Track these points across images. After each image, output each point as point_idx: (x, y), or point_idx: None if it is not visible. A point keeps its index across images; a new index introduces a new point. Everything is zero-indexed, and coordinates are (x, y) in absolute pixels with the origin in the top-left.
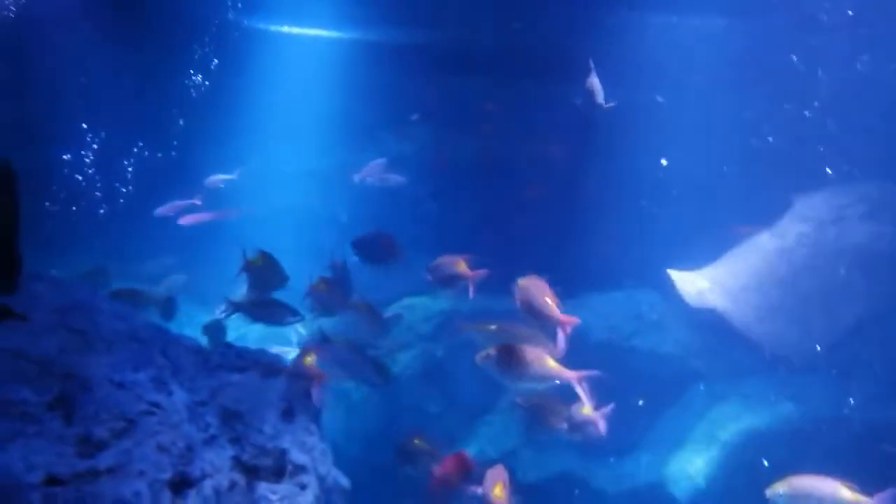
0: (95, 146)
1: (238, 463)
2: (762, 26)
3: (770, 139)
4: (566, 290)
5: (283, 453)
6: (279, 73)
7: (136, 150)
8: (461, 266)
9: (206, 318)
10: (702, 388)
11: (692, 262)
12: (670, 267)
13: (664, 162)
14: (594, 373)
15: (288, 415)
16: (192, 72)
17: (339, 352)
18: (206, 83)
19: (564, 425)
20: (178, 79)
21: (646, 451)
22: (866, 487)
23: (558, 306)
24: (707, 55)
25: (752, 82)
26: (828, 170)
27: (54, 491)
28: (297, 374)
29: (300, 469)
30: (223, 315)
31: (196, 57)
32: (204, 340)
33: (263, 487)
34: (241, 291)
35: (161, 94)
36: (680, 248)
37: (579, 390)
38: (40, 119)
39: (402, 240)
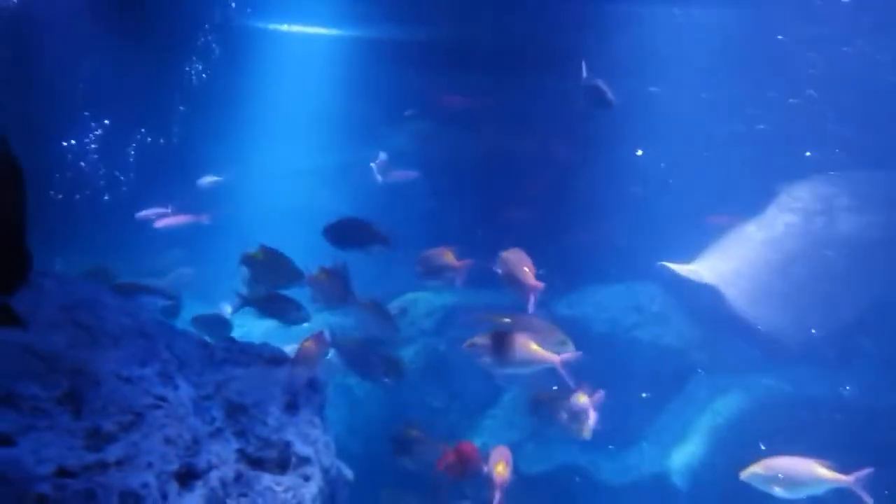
0: (98, 132)
1: (243, 455)
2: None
3: (761, 126)
4: (567, 283)
5: (287, 445)
6: (278, 70)
7: (138, 136)
8: (449, 257)
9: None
10: (703, 379)
11: (682, 254)
12: (662, 259)
13: (639, 153)
14: (577, 355)
15: (292, 408)
16: (194, 58)
17: (351, 352)
18: (208, 72)
19: (565, 415)
20: (180, 66)
21: (649, 442)
22: (873, 475)
23: (534, 275)
24: (705, 45)
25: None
26: (807, 153)
27: (65, 482)
28: (299, 362)
29: (304, 461)
30: (233, 310)
31: (199, 44)
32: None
33: (268, 479)
34: (254, 287)
35: (162, 82)
36: (673, 240)
37: (563, 373)
38: (42, 107)
39: (384, 227)
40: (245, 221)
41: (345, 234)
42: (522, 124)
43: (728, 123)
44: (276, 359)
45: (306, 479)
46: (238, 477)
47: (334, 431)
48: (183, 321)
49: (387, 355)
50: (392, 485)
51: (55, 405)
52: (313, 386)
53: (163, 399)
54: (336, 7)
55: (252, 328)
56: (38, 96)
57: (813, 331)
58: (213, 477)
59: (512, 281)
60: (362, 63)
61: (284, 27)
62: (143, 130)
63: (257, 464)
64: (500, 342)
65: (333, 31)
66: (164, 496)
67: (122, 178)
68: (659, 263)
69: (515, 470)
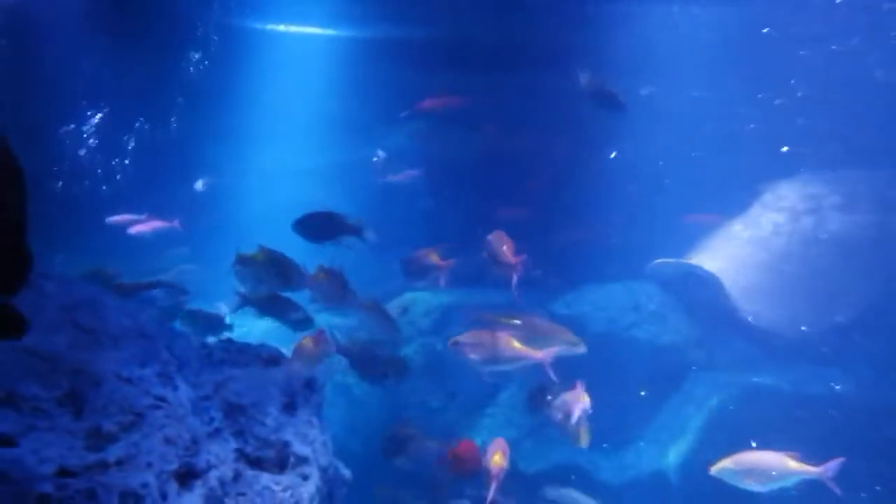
0: (96, 119)
1: (242, 455)
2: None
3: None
4: (564, 283)
5: (285, 445)
6: (274, 71)
7: (136, 130)
8: (433, 257)
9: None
10: (701, 377)
11: (677, 253)
12: (658, 258)
13: (613, 155)
14: (560, 349)
15: (290, 408)
16: (191, 55)
17: (356, 354)
18: (206, 70)
19: (560, 415)
20: (178, 56)
21: (647, 441)
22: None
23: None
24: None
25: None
26: (784, 148)
27: (66, 482)
28: (296, 358)
29: (302, 460)
30: (232, 309)
31: (196, 39)
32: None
33: (267, 478)
34: (254, 288)
35: (160, 72)
36: (669, 238)
37: (548, 369)
38: (42, 99)
39: (355, 218)
40: (244, 221)
41: (315, 227)
42: (520, 123)
43: (720, 122)
44: (274, 359)
45: (304, 478)
46: (237, 476)
47: (333, 431)
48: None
49: (392, 355)
50: (387, 483)
51: (56, 405)
52: (311, 386)
53: (162, 399)
54: (333, 7)
55: (251, 328)
56: (36, 89)
57: (803, 328)
58: (212, 476)
59: (495, 259)
60: (360, 63)
61: (282, 27)
62: (140, 124)
63: (256, 463)
64: (484, 340)
65: (330, 32)
66: (164, 496)
67: (118, 176)
68: (657, 261)
69: (514, 468)
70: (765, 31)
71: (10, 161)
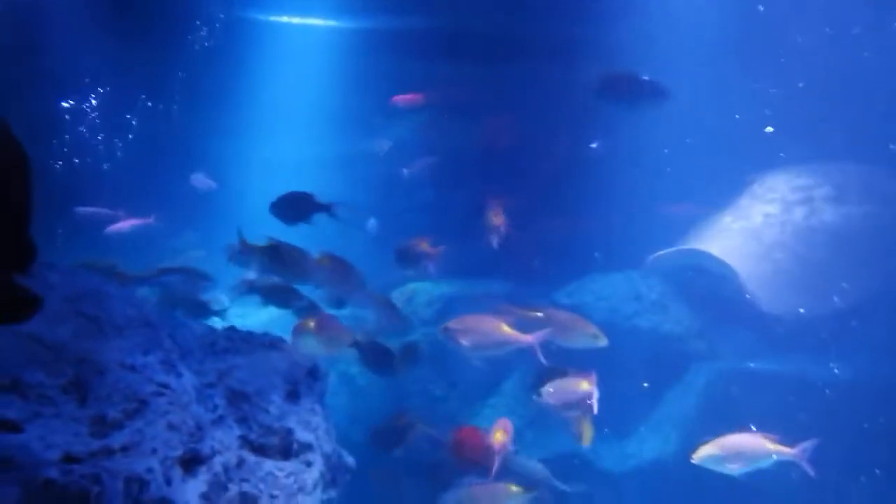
0: (95, 100)
1: (246, 442)
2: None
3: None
4: (565, 272)
5: (288, 432)
6: (275, 62)
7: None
8: (424, 245)
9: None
10: (703, 366)
11: (666, 244)
12: (660, 248)
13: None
14: (549, 332)
15: (293, 396)
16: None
17: (369, 347)
18: (211, 41)
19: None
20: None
21: (649, 429)
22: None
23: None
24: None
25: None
26: (767, 128)
27: (71, 468)
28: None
29: (306, 447)
30: (237, 294)
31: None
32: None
33: (270, 465)
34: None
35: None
36: (669, 227)
37: (538, 353)
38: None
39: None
40: (247, 211)
41: (289, 208)
42: (522, 114)
43: (714, 112)
44: (278, 347)
45: (308, 464)
46: (241, 463)
47: (336, 419)
48: None
49: (403, 345)
50: (388, 470)
51: (61, 393)
52: (314, 374)
53: (166, 387)
54: None
55: (251, 315)
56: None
57: (801, 310)
58: (217, 462)
59: (487, 225)
60: (361, 53)
61: (284, 19)
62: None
63: (259, 450)
64: (474, 325)
65: (332, 23)
66: (169, 481)
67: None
68: (660, 253)
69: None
70: (760, 8)
71: (15, 147)
